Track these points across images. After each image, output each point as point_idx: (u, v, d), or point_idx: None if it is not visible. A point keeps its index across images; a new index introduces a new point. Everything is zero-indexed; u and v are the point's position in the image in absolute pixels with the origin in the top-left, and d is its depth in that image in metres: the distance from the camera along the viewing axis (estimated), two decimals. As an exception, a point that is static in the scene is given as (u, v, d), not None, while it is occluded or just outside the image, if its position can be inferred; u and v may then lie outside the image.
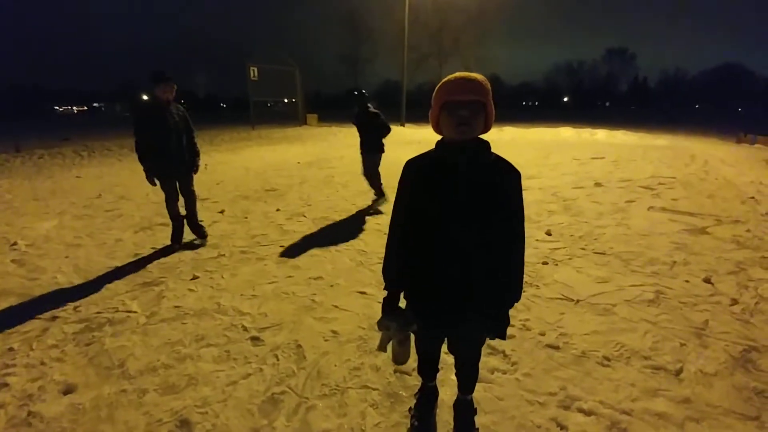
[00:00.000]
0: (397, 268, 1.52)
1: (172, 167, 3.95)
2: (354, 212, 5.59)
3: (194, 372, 2.27)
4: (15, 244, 4.33)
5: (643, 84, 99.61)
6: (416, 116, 26.74)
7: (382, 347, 1.57)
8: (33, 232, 4.77)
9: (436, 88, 1.37)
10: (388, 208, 5.76)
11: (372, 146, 5.71)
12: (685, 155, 10.97)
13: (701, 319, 2.78)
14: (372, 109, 5.58)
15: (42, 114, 60.27)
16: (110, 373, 2.27)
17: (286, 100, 30.69)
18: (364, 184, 6.08)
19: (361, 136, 5.76)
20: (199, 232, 4.37)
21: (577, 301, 3.04)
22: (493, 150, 1.38)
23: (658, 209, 5.55)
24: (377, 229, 4.79)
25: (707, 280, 3.36)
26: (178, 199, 4.11)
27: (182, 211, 4.22)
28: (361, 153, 5.79)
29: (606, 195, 6.42)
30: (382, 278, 1.56)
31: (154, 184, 3.90)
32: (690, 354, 2.40)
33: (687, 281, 3.37)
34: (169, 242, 4.19)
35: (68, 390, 2.13)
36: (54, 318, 2.86)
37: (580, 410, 1.95)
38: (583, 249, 4.11)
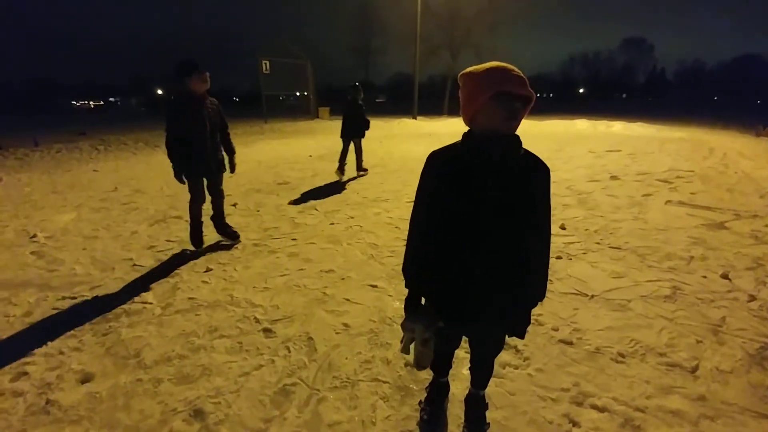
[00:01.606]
0: (417, 266, 1.48)
1: (204, 166, 3.76)
2: (365, 205, 5.59)
3: (208, 363, 2.30)
4: (34, 236, 4.44)
5: (660, 75, 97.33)
6: (427, 109, 26.57)
7: (405, 349, 1.50)
8: (52, 225, 4.88)
9: (479, 76, 1.26)
10: (398, 203, 5.74)
11: (360, 132, 7.33)
12: (704, 148, 10.70)
13: (718, 315, 2.73)
14: (360, 101, 7.17)
15: (59, 109, 61.28)
16: (126, 363, 2.31)
17: (297, 94, 30.75)
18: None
19: (348, 123, 7.23)
20: (228, 233, 4.22)
21: (592, 296, 3.00)
22: None
23: (676, 203, 5.44)
24: (388, 223, 4.78)
25: (725, 276, 3.29)
26: (204, 201, 3.92)
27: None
28: (351, 137, 7.33)
29: (622, 188, 6.31)
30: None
31: (183, 183, 3.72)
32: (706, 351, 2.36)
33: (704, 277, 3.30)
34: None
35: (86, 379, 2.19)
36: (72, 309, 2.93)
37: (593, 407, 1.93)
38: (598, 243, 4.05)
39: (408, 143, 13.05)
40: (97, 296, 3.10)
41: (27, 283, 3.35)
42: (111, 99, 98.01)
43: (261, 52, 25.17)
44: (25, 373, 2.23)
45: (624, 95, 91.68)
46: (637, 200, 5.62)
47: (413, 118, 24.82)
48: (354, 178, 7.38)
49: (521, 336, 1.52)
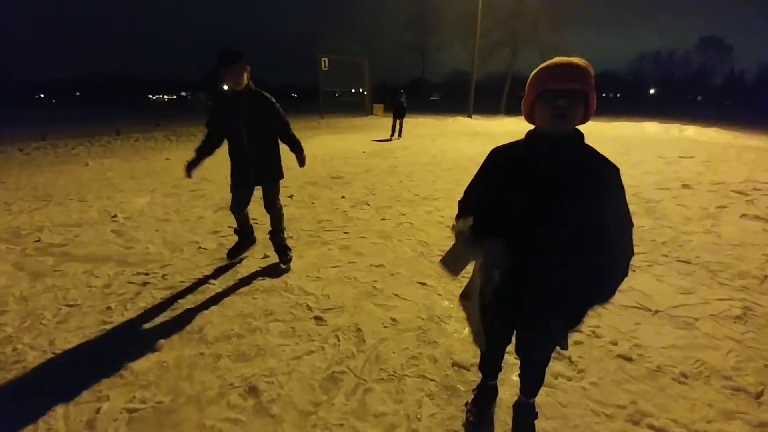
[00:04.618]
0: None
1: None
2: (416, 203, 5.59)
3: (263, 344, 2.43)
4: (115, 216, 4.88)
5: (739, 78, 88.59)
6: (485, 107, 25.95)
7: (450, 264, 1.40)
8: (130, 207, 5.34)
9: (532, 75, 1.28)
10: (450, 202, 5.69)
11: (401, 115, 13.86)
12: (792, 158, 9.62)
13: (797, 342, 2.47)
14: (403, 100, 13.64)
15: (138, 102, 66.42)
16: (191, 337, 2.50)
17: (353, 91, 31.28)
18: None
19: (395, 112, 13.80)
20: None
21: (656, 311, 2.83)
22: None
23: (752, 217, 4.95)
24: (439, 221, 4.76)
25: (810, 301, 2.97)
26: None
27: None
28: (396, 118, 13.93)
29: (694, 198, 5.84)
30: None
31: None
32: (782, 379, 2.15)
33: (785, 299, 3.00)
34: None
35: (155, 348, 2.38)
36: (145, 284, 3.20)
37: (650, 427, 1.83)
38: (665, 256, 3.79)
39: (461, 142, 12.86)
40: (167, 274, 3.36)
41: (107, 258, 3.70)
42: (183, 93, 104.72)
43: (320, 50, 25.83)
44: (103, 339, 2.47)
45: (699, 98, 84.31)
46: (710, 212, 5.18)
47: (468, 117, 24.40)
48: (406, 175, 7.41)
49: (564, 346, 1.43)
